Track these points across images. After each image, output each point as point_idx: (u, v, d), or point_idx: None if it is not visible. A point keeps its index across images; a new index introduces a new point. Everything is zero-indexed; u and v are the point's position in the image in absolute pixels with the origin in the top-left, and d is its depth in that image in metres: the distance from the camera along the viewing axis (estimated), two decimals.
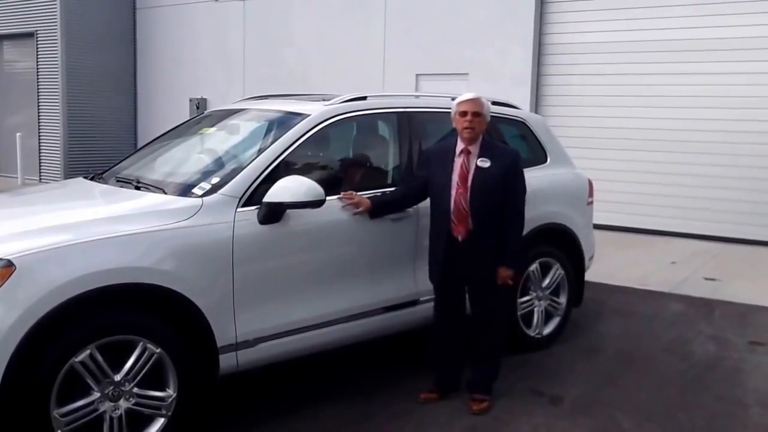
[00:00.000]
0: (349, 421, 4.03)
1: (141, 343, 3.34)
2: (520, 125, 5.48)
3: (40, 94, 14.72)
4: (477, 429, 3.96)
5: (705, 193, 9.69)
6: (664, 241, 9.56)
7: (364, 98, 4.60)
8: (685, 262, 8.33)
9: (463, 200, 4.06)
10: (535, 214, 4.96)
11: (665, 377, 4.78)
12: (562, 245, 5.32)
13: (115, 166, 4.87)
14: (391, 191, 4.41)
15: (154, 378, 3.43)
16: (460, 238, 4.10)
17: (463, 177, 4.09)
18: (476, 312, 4.25)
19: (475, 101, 4.13)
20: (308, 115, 4.26)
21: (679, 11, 9.68)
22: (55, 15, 14.13)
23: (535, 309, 5.15)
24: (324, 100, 4.56)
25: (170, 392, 3.47)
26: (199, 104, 14.17)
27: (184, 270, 3.49)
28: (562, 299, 5.34)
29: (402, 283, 4.44)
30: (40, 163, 14.84)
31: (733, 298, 6.77)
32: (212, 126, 4.97)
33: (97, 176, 4.69)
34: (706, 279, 7.58)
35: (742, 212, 9.45)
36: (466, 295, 4.28)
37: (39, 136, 14.79)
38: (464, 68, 11.09)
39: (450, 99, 4.29)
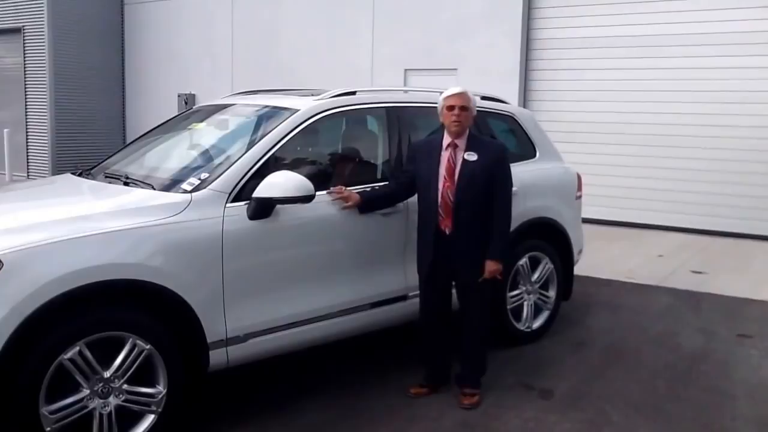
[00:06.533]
0: (339, 416, 4.04)
1: (130, 340, 3.34)
2: (510, 120, 5.49)
3: (27, 89, 14.61)
4: (468, 423, 3.97)
5: (692, 186, 9.74)
6: (652, 235, 9.60)
7: (353, 93, 4.60)
8: (672, 256, 8.38)
9: (450, 194, 4.07)
10: (524, 209, 4.99)
11: (654, 370, 4.81)
12: (552, 239, 5.35)
13: (103, 161, 4.85)
14: (380, 186, 4.42)
15: (143, 374, 3.42)
16: (447, 232, 4.10)
17: (450, 171, 4.10)
18: (464, 306, 4.26)
19: (462, 95, 4.13)
20: (297, 110, 4.26)
21: (667, 6, 9.72)
22: (42, 10, 14.01)
23: (525, 303, 5.17)
24: (313, 95, 4.55)
25: (160, 388, 3.47)
26: (188, 100, 14.11)
27: (174, 266, 3.48)
28: (552, 293, 5.36)
29: (392, 277, 4.45)
30: (27, 159, 14.74)
31: (721, 291, 6.82)
32: (201, 121, 4.95)
33: (85, 172, 4.67)
34: (694, 272, 7.62)
35: (728, 205, 9.50)
36: (453, 290, 4.30)
37: (26, 132, 14.69)
38: (453, 63, 11.08)
39: (439, 94, 4.30)
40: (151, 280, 3.40)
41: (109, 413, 3.32)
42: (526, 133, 5.54)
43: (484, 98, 5.28)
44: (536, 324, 5.27)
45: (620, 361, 4.99)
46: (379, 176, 4.62)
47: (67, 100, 14.37)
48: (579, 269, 5.95)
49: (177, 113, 6.80)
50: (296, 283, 4.00)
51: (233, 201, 3.77)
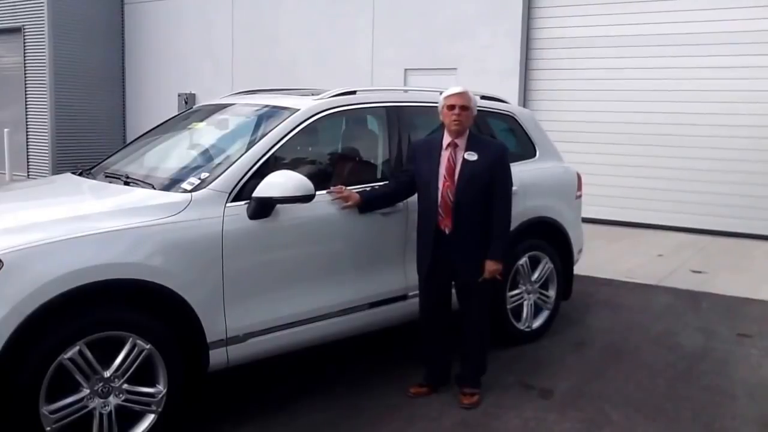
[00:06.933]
0: (339, 415, 4.04)
1: (131, 339, 3.34)
2: (510, 119, 5.49)
3: (27, 89, 14.62)
4: (467, 423, 3.98)
5: (692, 186, 9.75)
6: (652, 234, 9.61)
7: (353, 93, 4.60)
8: (672, 255, 8.38)
9: (450, 193, 4.07)
10: (524, 208, 4.99)
11: (653, 369, 4.81)
12: (552, 239, 5.34)
13: (103, 161, 4.85)
14: (380, 186, 4.42)
15: (144, 374, 3.42)
16: (447, 231, 4.10)
17: (450, 170, 4.10)
18: (464, 306, 4.27)
19: (463, 95, 4.13)
20: (298, 110, 4.26)
21: (667, 5, 9.72)
22: (43, 9, 14.02)
23: (525, 302, 5.17)
24: (313, 94, 4.55)
25: (160, 388, 3.47)
26: (188, 99, 14.11)
27: (174, 265, 3.48)
28: (552, 292, 5.36)
29: (392, 277, 4.45)
30: (28, 158, 14.75)
31: (720, 291, 6.82)
32: (201, 121, 4.95)
33: (85, 172, 4.67)
34: (693, 271, 7.62)
35: (728, 205, 9.51)
36: (453, 289, 4.30)
37: (27, 131, 14.69)
38: (453, 63, 11.09)
39: (439, 93, 4.30)
40: (152, 280, 3.40)
41: (109, 413, 3.32)
42: (526, 133, 5.54)
43: (484, 98, 5.27)
44: (536, 323, 5.27)
45: (620, 360, 4.99)
46: (379, 176, 4.62)
47: (67, 100, 14.37)
48: (579, 269, 5.95)
49: (177, 113, 6.80)
50: (296, 283, 4.00)
51: (233, 200, 3.77)
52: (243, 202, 3.79)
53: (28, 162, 14.75)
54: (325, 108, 4.36)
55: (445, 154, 4.14)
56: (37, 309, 3.06)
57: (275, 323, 3.89)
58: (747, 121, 9.33)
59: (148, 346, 3.38)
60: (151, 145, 4.91)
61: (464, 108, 4.09)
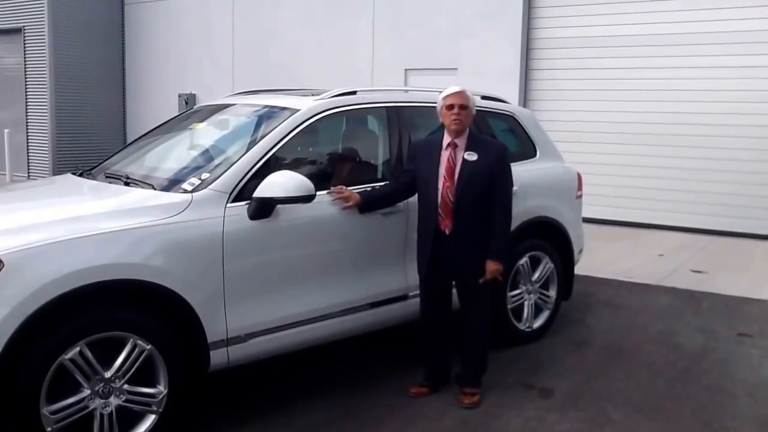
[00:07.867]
0: (339, 415, 4.04)
1: (131, 340, 3.34)
2: (510, 119, 5.49)
3: (27, 90, 14.61)
4: (468, 423, 3.98)
5: (692, 185, 9.75)
6: (652, 234, 9.61)
7: (353, 93, 4.60)
8: (672, 255, 8.38)
9: (450, 194, 4.07)
10: (524, 208, 4.99)
11: (654, 369, 4.81)
12: (552, 239, 5.35)
13: (104, 161, 4.85)
14: (380, 186, 4.42)
15: (144, 374, 3.42)
16: (447, 232, 4.10)
17: (450, 170, 4.10)
18: (464, 306, 4.27)
19: (461, 94, 4.13)
20: (298, 110, 4.26)
21: (667, 5, 9.72)
22: (43, 10, 14.01)
23: (525, 302, 5.17)
24: (313, 95, 4.55)
25: (161, 389, 3.47)
26: (188, 100, 14.11)
27: (174, 266, 3.49)
28: (552, 293, 5.36)
29: (392, 277, 4.45)
30: (28, 159, 14.75)
31: (721, 290, 6.82)
32: (201, 121, 4.96)
33: (86, 172, 4.67)
34: (694, 271, 7.62)
35: (729, 205, 9.51)
36: (453, 289, 4.30)
37: (27, 132, 14.69)
38: (453, 63, 11.08)
39: (439, 93, 4.30)
40: (152, 280, 3.41)
41: (110, 413, 3.32)
42: (526, 133, 5.54)
43: (484, 98, 5.28)
44: (537, 323, 5.27)
45: (620, 360, 4.99)
46: (379, 176, 4.62)
47: (68, 100, 14.37)
48: (579, 269, 5.94)
49: (177, 113, 6.80)
50: (297, 283, 4.00)
51: (234, 201, 3.78)
52: (243, 203, 3.79)
53: (28, 162, 14.75)
54: (325, 108, 4.36)
55: (445, 154, 4.14)
56: (38, 309, 3.06)
57: (276, 323, 3.90)
58: (747, 121, 9.33)
59: (148, 347, 3.38)
60: (151, 145, 4.91)
61: (463, 107, 4.09)
